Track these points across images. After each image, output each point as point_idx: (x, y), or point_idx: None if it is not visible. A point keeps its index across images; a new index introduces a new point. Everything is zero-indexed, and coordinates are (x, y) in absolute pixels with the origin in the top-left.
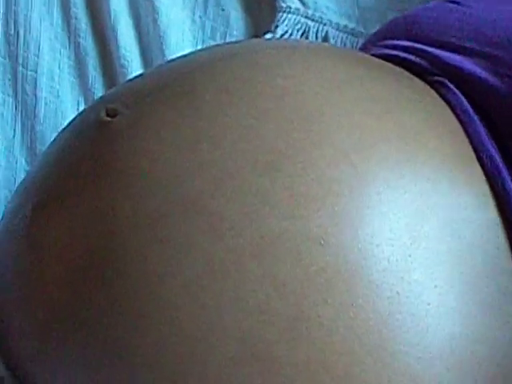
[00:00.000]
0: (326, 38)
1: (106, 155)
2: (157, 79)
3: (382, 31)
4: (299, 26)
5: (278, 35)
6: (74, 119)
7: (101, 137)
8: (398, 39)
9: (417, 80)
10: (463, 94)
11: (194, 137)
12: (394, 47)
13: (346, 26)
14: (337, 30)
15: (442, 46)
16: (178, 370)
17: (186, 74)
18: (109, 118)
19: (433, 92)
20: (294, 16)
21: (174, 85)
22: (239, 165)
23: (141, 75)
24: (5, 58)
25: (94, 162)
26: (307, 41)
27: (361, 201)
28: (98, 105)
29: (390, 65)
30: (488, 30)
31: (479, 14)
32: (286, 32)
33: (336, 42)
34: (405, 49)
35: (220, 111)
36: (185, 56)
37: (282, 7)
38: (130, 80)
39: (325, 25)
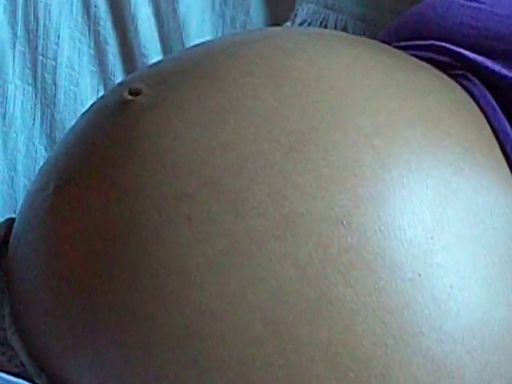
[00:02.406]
0: (344, 28)
1: (129, 133)
2: (180, 62)
3: (396, 28)
4: (318, 15)
5: (296, 24)
6: (97, 101)
7: (124, 115)
8: (412, 39)
9: (440, 72)
10: (486, 87)
11: (217, 117)
12: (412, 47)
13: (364, 16)
14: (355, 19)
15: (458, 43)
16: (201, 348)
17: (209, 56)
18: (132, 97)
19: (456, 84)
20: (313, 5)
21: (197, 67)
22: (262, 146)
23: (163, 60)
24: (24, 47)
25: (117, 140)
26: (331, 30)
27: (383, 184)
28: (121, 86)
29: (412, 57)
30: (502, 26)
31: (491, 10)
32: (305, 21)
33: (354, 31)
34: (423, 47)
35: (243, 93)
36: (208, 41)
37: None
38: (155, 63)
39: (343, 14)
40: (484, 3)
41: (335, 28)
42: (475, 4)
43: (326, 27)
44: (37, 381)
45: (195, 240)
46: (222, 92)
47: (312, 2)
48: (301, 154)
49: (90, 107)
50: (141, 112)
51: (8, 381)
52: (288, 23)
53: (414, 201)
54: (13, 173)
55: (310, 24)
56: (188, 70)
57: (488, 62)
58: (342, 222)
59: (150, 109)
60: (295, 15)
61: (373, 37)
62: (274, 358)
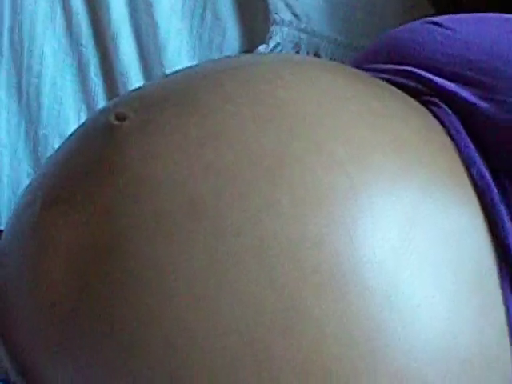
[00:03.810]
0: (317, 50)
1: (114, 157)
2: (164, 87)
3: (368, 53)
4: (291, 38)
5: (271, 47)
6: (84, 123)
7: (110, 139)
8: (384, 63)
9: (411, 98)
10: (454, 113)
11: (199, 142)
12: (383, 70)
13: (336, 39)
14: (328, 42)
15: (428, 69)
16: (178, 357)
17: (192, 83)
18: (118, 122)
19: (427, 110)
20: (287, 29)
21: (180, 93)
22: (242, 169)
23: (148, 84)
24: (9, 66)
25: (102, 163)
26: (308, 56)
27: (354, 207)
28: (107, 109)
29: (385, 83)
30: (472, 54)
31: (462, 37)
32: (279, 44)
33: (327, 54)
34: (393, 72)
35: (224, 119)
36: (189, 68)
37: (275, 20)
38: (138, 88)
39: (316, 37)
40: (459, 32)
41: (308, 51)
42: (450, 33)
43: (299, 50)
44: (16, 381)
45: (175, 257)
46: (203, 118)
47: (286, 25)
48: (278, 177)
49: (76, 129)
50: (126, 136)
51: None
52: (263, 46)
53: (384, 223)
54: None
55: (284, 47)
56: (171, 97)
57: (459, 90)
58: (315, 243)
59: (135, 133)
60: (270, 38)
61: (344, 59)
62: (248, 367)
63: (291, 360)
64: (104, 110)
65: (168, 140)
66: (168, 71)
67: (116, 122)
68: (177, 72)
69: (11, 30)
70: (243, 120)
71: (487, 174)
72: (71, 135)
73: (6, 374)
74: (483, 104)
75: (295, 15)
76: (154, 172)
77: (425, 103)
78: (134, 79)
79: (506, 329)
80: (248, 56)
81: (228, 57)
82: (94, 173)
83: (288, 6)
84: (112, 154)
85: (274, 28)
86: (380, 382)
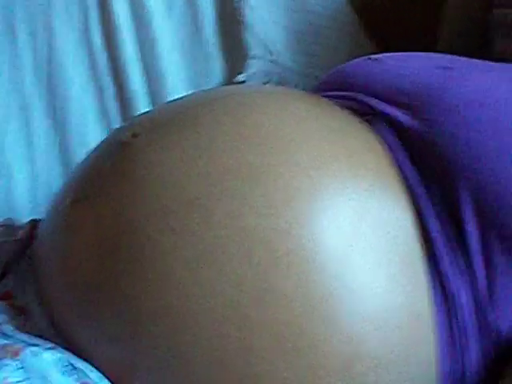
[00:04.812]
0: (285, 79)
1: (128, 165)
2: (168, 111)
3: (324, 82)
4: (263, 68)
5: (247, 76)
6: (104, 139)
7: (125, 152)
8: (337, 90)
9: (357, 118)
10: (390, 130)
11: (195, 154)
12: (335, 96)
13: (299, 69)
14: (292, 72)
15: (371, 95)
16: (177, 326)
17: (190, 109)
18: (132, 139)
19: (369, 127)
20: (261, 61)
21: (181, 117)
22: (227, 176)
23: (155, 108)
24: (46, 92)
25: (119, 170)
26: (278, 86)
27: (315, 204)
28: (123, 129)
29: (337, 106)
30: (403, 83)
31: (394, 70)
32: (254, 73)
33: (291, 81)
34: (344, 97)
35: (215, 137)
36: (188, 95)
37: (251, 54)
38: (147, 112)
39: (283, 68)
40: (393, 66)
41: (277, 79)
42: (386, 67)
43: (270, 79)
44: (54, 340)
45: (176, 246)
46: (199, 136)
47: (259, 59)
48: (254, 181)
49: (98, 144)
50: (138, 150)
51: (33, 340)
52: (241, 75)
53: (339, 217)
54: (36, 185)
55: (257, 76)
56: (174, 119)
57: (393, 111)
58: (286, 233)
59: (145, 148)
60: (246, 69)
61: (305, 87)
62: (233, 333)
63: (266, 327)
64: (121, 129)
65: (171, 153)
66: (168, 96)
67: (130, 139)
68: (177, 99)
69: (46, 63)
70: (230, 137)
71: (415, 175)
72: (95, 148)
73: (44, 330)
74: (413, 123)
75: (266, 51)
76: (158, 177)
77: (368, 121)
78: (141, 102)
79: (430, 301)
80: (233, 87)
81: (216, 87)
82: (111, 178)
83: (261, 44)
84: (126, 164)
85: (249, 61)
86: (336, 345)
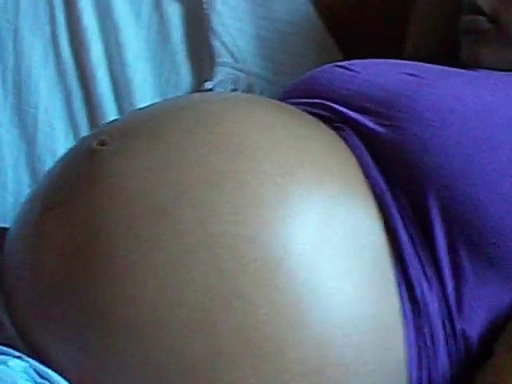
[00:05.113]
0: (252, 86)
1: (96, 174)
2: (137, 120)
3: (291, 90)
4: (231, 76)
5: (215, 83)
6: (72, 147)
7: (93, 160)
8: (303, 97)
9: (323, 125)
10: (357, 137)
11: (163, 162)
12: (303, 103)
13: (266, 76)
14: (259, 79)
15: (337, 102)
16: (146, 332)
17: (157, 117)
18: (99, 147)
19: (335, 133)
20: (228, 68)
21: (148, 125)
22: (194, 183)
23: (124, 117)
24: (13, 99)
25: (87, 178)
26: (244, 94)
27: (283, 211)
28: (92, 136)
29: (304, 113)
30: (369, 90)
31: (362, 77)
32: (222, 81)
33: (258, 88)
34: (311, 104)
35: (182, 145)
36: (156, 104)
37: (218, 61)
38: (115, 120)
39: (249, 75)
40: (360, 73)
41: (244, 86)
42: (353, 74)
43: (237, 85)
44: (21, 349)
45: (143, 253)
46: (166, 144)
47: (227, 66)
48: (222, 188)
49: (67, 152)
50: (105, 158)
51: (0, 348)
52: (208, 82)
53: (305, 224)
54: (4, 193)
55: (225, 83)
56: (141, 127)
57: (361, 118)
58: (252, 240)
59: (113, 156)
60: (214, 76)
61: (273, 94)
62: (201, 339)
63: (234, 332)
64: (89, 137)
65: (139, 161)
66: (136, 103)
67: (98, 147)
68: (145, 107)
69: (13, 70)
70: (197, 146)
71: (382, 181)
72: (63, 156)
73: (10, 338)
74: (379, 128)
75: (233, 58)
76: (126, 185)
77: (334, 128)
78: (109, 109)
79: (399, 307)
80: (199, 95)
81: (184, 95)
82: (80, 186)
83: (228, 50)
84: (95, 172)
85: (217, 68)
86: (303, 351)
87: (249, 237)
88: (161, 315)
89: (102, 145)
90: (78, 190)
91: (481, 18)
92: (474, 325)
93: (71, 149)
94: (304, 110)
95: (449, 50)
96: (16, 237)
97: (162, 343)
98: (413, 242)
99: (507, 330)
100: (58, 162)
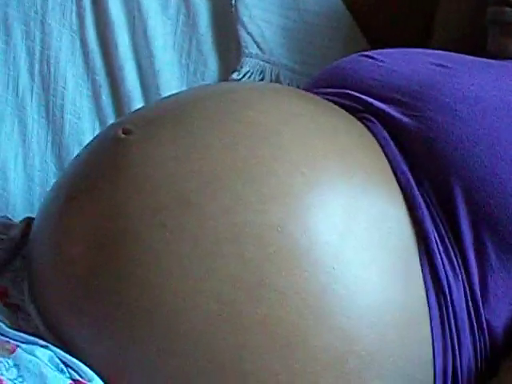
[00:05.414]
0: (277, 77)
1: (121, 162)
2: (161, 108)
3: (318, 80)
4: (258, 67)
5: (242, 74)
6: (98, 135)
7: (118, 149)
8: (330, 87)
9: (349, 115)
10: (383, 127)
11: (187, 151)
12: (329, 93)
13: (293, 68)
14: (286, 70)
15: (363, 92)
16: (170, 323)
17: (182, 106)
18: (124, 135)
19: (361, 124)
20: (254, 59)
21: (174, 113)
22: (220, 172)
23: (149, 105)
24: (40, 90)
25: (112, 166)
26: (270, 83)
27: (307, 200)
28: (116, 125)
29: (329, 103)
30: (396, 80)
31: (388, 67)
32: (248, 71)
33: (285, 80)
34: (337, 94)
35: (207, 133)
36: (181, 92)
37: (245, 52)
38: (140, 108)
39: (276, 66)
40: (386, 63)
41: (271, 77)
42: (379, 63)
43: (264, 76)
44: (47, 338)
45: (168, 241)
46: (190, 133)
47: (253, 57)
48: (248, 177)
49: (92, 140)
50: (130, 147)
51: (27, 338)
52: (236, 73)
53: (331, 213)
54: (31, 183)
55: (252, 73)
56: (166, 116)
57: (386, 108)
58: (277, 229)
59: (138, 144)
60: (241, 67)
61: (299, 84)
62: (226, 329)
63: (259, 322)
64: (114, 126)
65: (164, 149)
66: (163, 94)
67: (123, 136)
68: (171, 96)
69: (40, 61)
70: (222, 134)
71: (408, 172)
72: (87, 145)
73: (37, 328)
74: (405, 119)
75: (260, 49)
76: (151, 174)
77: (360, 119)
78: (136, 100)
79: (424, 297)
80: (225, 83)
81: (210, 84)
82: (105, 174)
83: (255, 41)
84: (119, 160)
85: (244, 59)
86: (328, 341)
87: (274, 226)
88: (184, 305)
89: (127, 133)
90: (103, 179)
91: (508, 9)
92: (499, 316)
93: (96, 137)
94: (330, 100)
95: (475, 42)
96: (41, 226)
97: (187, 333)
98: (438, 232)
99: None
100: (83, 150)
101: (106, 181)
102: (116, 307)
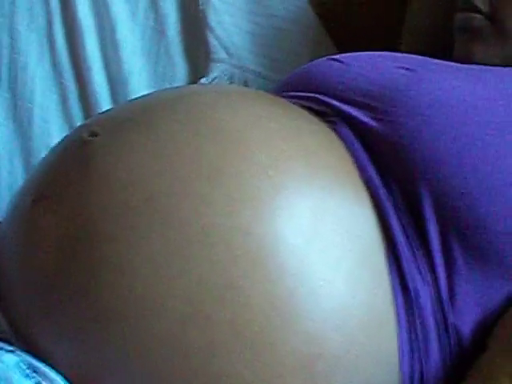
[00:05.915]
0: (246, 82)
1: (87, 164)
2: (128, 110)
3: (286, 83)
4: (226, 72)
5: (210, 79)
6: (64, 138)
7: (84, 151)
8: (298, 91)
9: (316, 118)
10: (350, 130)
11: (153, 153)
12: (296, 97)
13: (260, 73)
14: (254, 75)
15: (331, 96)
16: (139, 324)
17: (150, 108)
18: (91, 138)
19: (328, 127)
20: (223, 64)
21: (140, 115)
22: (187, 174)
23: (115, 107)
24: (7, 92)
25: (78, 168)
26: (237, 86)
27: (274, 203)
28: (83, 127)
29: (297, 106)
30: (364, 84)
31: (355, 71)
32: (217, 77)
33: (253, 84)
34: (305, 98)
35: (174, 136)
36: (148, 95)
37: (214, 58)
38: (107, 110)
39: (245, 71)
40: (354, 67)
41: (239, 82)
42: (346, 67)
43: (232, 81)
44: (14, 343)
45: (135, 242)
46: (158, 135)
47: (222, 62)
48: (215, 181)
49: (58, 143)
50: (97, 149)
51: None
52: (204, 78)
53: (297, 216)
54: None
55: (220, 79)
56: (133, 118)
57: (354, 112)
58: (246, 232)
59: (104, 146)
60: (209, 72)
61: (266, 88)
62: (194, 330)
63: (226, 324)
64: (80, 128)
65: (131, 152)
66: (132, 97)
67: (89, 138)
68: (138, 98)
69: (9, 65)
70: (189, 136)
71: (375, 176)
72: (54, 147)
73: (2, 333)
74: (373, 123)
75: (229, 54)
76: (118, 176)
77: (328, 122)
78: (105, 104)
79: (391, 300)
80: (193, 86)
81: (177, 87)
82: (71, 176)
83: (223, 47)
84: (86, 162)
85: (212, 64)
86: (295, 344)
87: (241, 229)
88: (154, 305)
89: (94, 135)
90: (69, 181)
91: (476, 15)
92: (467, 320)
93: (62, 140)
94: (297, 104)
95: (444, 47)
96: (8, 229)
97: (157, 334)
98: (405, 234)
99: (499, 326)
100: (49, 153)
101: (73, 183)
102: (85, 309)
